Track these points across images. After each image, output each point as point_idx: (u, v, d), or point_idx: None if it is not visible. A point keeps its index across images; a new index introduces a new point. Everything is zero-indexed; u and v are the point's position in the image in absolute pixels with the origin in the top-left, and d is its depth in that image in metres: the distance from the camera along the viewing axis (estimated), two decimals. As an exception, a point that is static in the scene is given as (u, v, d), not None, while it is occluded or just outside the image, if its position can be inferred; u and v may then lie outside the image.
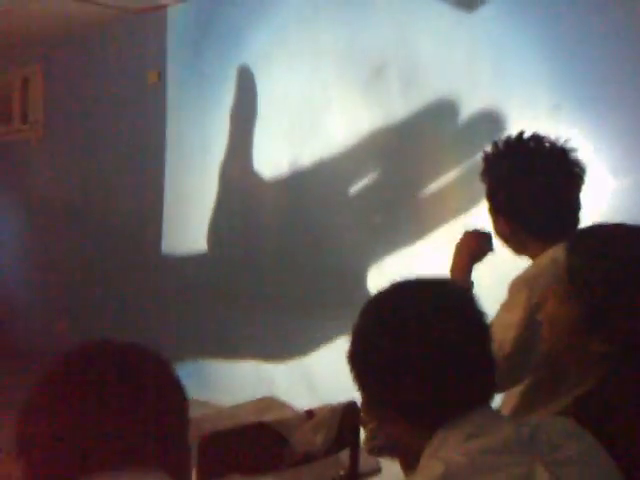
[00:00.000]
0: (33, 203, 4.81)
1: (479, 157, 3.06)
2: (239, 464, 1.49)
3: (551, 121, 2.64)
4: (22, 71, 4.74)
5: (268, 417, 1.64)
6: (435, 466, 0.93)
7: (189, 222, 3.85)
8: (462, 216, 2.92)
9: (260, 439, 1.53)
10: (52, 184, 4.66)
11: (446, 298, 1.04)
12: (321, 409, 1.63)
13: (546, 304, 1.24)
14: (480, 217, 2.81)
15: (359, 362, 1.05)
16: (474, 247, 1.74)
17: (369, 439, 1.18)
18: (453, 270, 1.74)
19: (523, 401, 1.55)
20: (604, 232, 1.25)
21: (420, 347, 0.99)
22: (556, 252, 1.29)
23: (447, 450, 0.96)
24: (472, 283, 1.71)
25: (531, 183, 1.56)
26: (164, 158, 3.97)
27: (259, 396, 1.98)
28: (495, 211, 1.63)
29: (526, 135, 1.60)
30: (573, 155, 1.59)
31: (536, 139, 1.60)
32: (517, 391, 1.55)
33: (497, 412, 1.05)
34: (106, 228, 4.27)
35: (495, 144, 1.63)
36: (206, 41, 3.78)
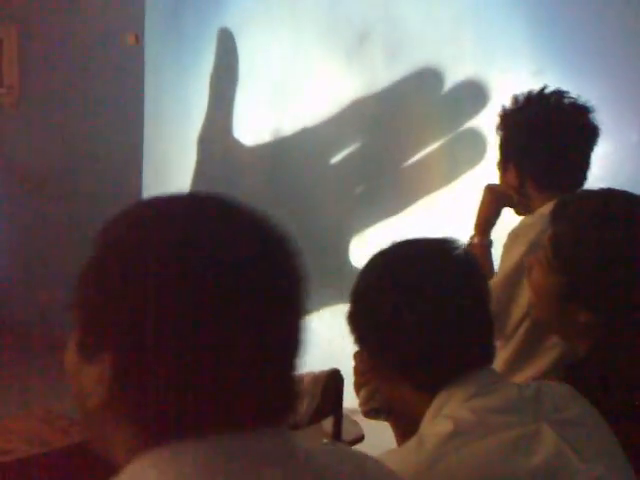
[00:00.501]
0: (8, 171, 4.72)
1: (463, 127, 3.07)
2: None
3: (534, 87, 2.63)
4: (-4, 33, 4.62)
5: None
6: (443, 424, 0.92)
7: (169, 187, 3.80)
8: (446, 187, 2.91)
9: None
10: (28, 151, 4.57)
11: (447, 257, 1.03)
12: (304, 377, 1.61)
13: (531, 272, 1.24)
14: (464, 188, 2.82)
15: (360, 321, 1.04)
16: (494, 201, 1.72)
17: (366, 401, 1.17)
18: (476, 225, 1.74)
19: (507, 367, 1.55)
20: (588, 202, 1.24)
21: (422, 305, 0.98)
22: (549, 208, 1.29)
23: (450, 409, 0.95)
24: (491, 241, 1.71)
25: (548, 137, 1.57)
26: (142, 121, 3.91)
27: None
28: (506, 160, 1.63)
29: (547, 90, 1.60)
30: (591, 115, 1.59)
31: (558, 95, 1.60)
32: (502, 358, 1.55)
33: (498, 374, 1.06)
34: (84, 196, 4.21)
35: (515, 98, 1.63)
36: (186, 2, 3.70)
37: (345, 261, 3.16)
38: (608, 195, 1.26)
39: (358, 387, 1.18)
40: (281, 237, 0.71)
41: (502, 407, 0.95)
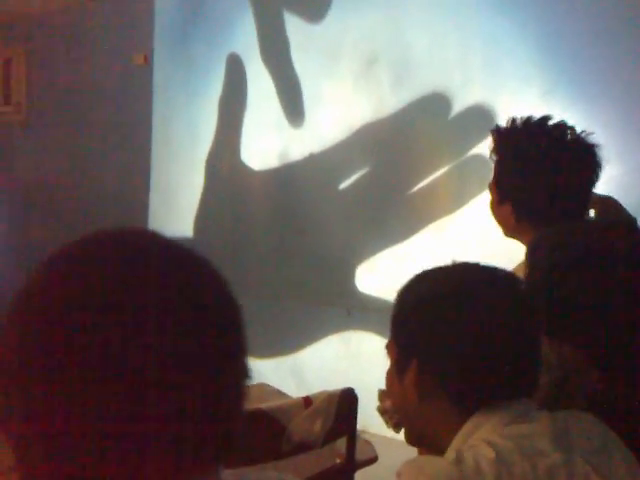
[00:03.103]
0: (15, 187, 4.73)
1: (471, 152, 3.05)
2: (236, 453, 1.47)
3: (542, 108, 2.63)
4: (5, 52, 4.65)
5: (264, 404, 1.61)
6: (485, 450, 0.93)
7: (176, 208, 3.81)
8: (454, 212, 2.91)
9: (256, 427, 1.50)
10: (35, 168, 4.58)
11: (515, 290, 1.06)
12: (318, 396, 1.60)
13: None
14: (472, 213, 2.82)
15: (416, 328, 1.05)
16: None
17: (393, 415, 1.18)
18: None
19: None
20: (564, 229, 1.26)
21: (484, 329, 1.00)
22: None
23: (484, 433, 0.97)
24: None
25: (550, 178, 1.49)
26: (150, 143, 3.92)
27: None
28: (502, 196, 1.56)
29: (551, 122, 1.52)
30: (596, 152, 1.53)
31: (561, 129, 1.52)
32: None
33: (535, 406, 1.06)
34: (90, 214, 4.21)
35: (513, 120, 1.54)
36: (195, 25, 3.72)
37: (351, 285, 3.15)
38: (586, 225, 1.28)
39: (384, 400, 1.19)
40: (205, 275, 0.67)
41: (537, 434, 0.96)
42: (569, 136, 1.51)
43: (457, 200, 2.89)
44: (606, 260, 1.16)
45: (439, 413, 1.02)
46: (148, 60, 3.93)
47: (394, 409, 1.20)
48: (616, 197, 2.51)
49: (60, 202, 4.43)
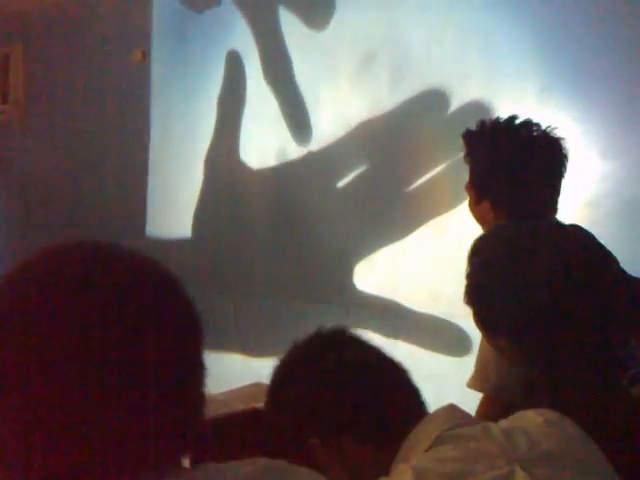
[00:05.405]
0: (14, 185, 4.72)
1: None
2: (234, 452, 1.48)
3: (539, 105, 2.64)
4: (3, 49, 4.64)
5: (261, 404, 1.62)
6: (403, 474, 0.87)
7: (174, 207, 3.81)
8: (452, 209, 2.91)
9: (255, 426, 1.51)
10: (33, 166, 4.58)
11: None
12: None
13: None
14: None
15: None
16: None
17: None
18: None
19: None
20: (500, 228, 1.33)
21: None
22: None
23: (414, 457, 0.92)
24: None
25: (521, 174, 1.56)
26: (149, 139, 3.92)
27: (248, 383, 1.97)
28: (479, 196, 1.63)
29: (517, 121, 1.59)
30: (563, 146, 1.60)
31: (527, 126, 1.59)
32: None
33: (464, 413, 1.03)
34: (89, 212, 4.21)
35: (482, 122, 1.61)
36: (192, 21, 3.72)
37: (350, 282, 3.16)
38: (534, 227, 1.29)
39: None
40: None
41: (469, 452, 0.89)
42: (535, 132, 1.57)
43: (456, 197, 2.89)
44: (532, 258, 1.15)
45: (355, 456, 0.99)
46: (146, 56, 3.92)
47: None
48: (613, 193, 2.53)
49: (58, 200, 4.43)
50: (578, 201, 2.50)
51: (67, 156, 4.40)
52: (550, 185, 1.62)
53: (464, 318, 1.44)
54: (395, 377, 1.03)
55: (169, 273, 0.70)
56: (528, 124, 1.60)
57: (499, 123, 1.62)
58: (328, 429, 1.00)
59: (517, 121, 1.61)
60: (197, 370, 0.69)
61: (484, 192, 1.63)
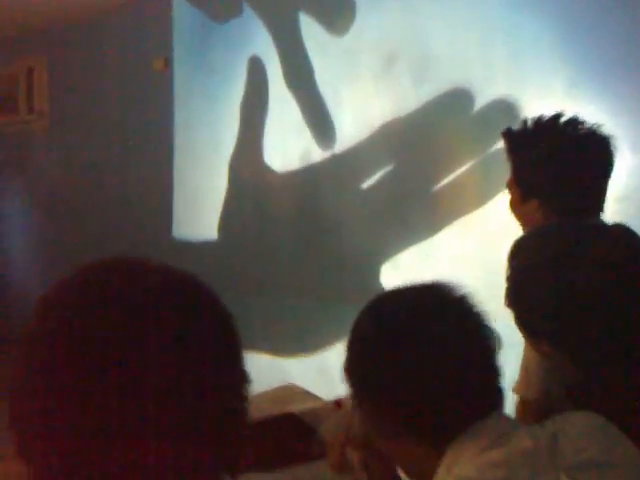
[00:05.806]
0: (40, 194, 4.77)
1: (494, 148, 3.03)
2: (266, 456, 1.46)
3: (567, 99, 2.60)
4: (27, 61, 4.69)
5: (294, 407, 1.60)
6: None
7: (199, 214, 3.81)
8: (478, 209, 2.88)
9: (287, 430, 1.50)
10: (59, 175, 4.62)
11: (442, 305, 0.99)
12: (349, 399, 1.59)
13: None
14: (497, 210, 2.78)
15: (358, 375, 1.00)
16: None
17: (361, 468, 1.12)
18: None
19: None
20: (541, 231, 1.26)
21: (420, 356, 0.94)
22: None
23: (462, 465, 0.89)
24: None
25: (582, 171, 1.53)
26: (173, 147, 3.93)
27: (277, 384, 1.96)
28: (526, 195, 1.58)
29: (563, 119, 1.55)
30: (611, 145, 1.56)
31: (573, 124, 1.55)
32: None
33: (513, 420, 1.00)
34: (114, 220, 4.24)
35: (524, 122, 1.58)
36: (214, 28, 3.73)
37: (376, 283, 3.13)
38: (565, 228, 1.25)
39: (354, 448, 1.12)
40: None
41: (514, 460, 0.87)
42: (581, 131, 1.53)
43: (482, 196, 2.85)
44: (577, 261, 1.12)
45: (413, 453, 0.95)
46: (168, 64, 3.94)
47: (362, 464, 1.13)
48: (635, 187, 2.48)
49: (83, 209, 4.46)
50: (608, 195, 2.46)
51: (91, 164, 4.43)
52: (600, 184, 1.58)
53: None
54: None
55: (205, 286, 0.70)
56: (574, 122, 1.56)
57: (545, 121, 1.57)
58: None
59: (563, 119, 1.57)
60: (240, 383, 0.69)
61: (532, 191, 1.57)
